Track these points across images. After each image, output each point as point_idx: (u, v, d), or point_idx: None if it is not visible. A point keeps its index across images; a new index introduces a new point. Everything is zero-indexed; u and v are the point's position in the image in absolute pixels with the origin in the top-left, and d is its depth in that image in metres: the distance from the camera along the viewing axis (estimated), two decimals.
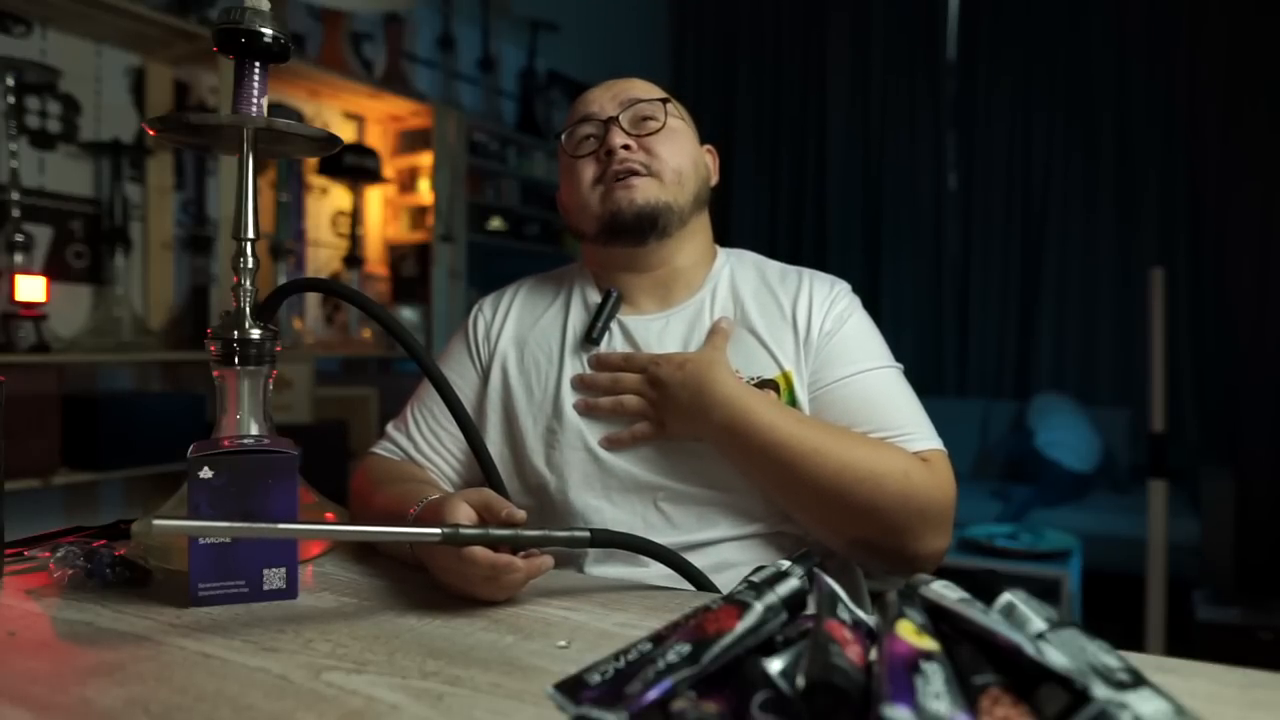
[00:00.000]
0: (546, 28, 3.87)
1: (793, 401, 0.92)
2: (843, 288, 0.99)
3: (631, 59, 4.46)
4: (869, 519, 0.84)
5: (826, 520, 0.87)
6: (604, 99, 0.98)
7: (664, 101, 0.98)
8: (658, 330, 0.97)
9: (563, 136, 1.00)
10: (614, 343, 0.97)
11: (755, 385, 0.92)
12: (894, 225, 4.33)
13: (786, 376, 0.92)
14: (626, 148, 0.94)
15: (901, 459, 0.86)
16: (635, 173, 0.94)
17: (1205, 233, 3.80)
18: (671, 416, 0.89)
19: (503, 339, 1.02)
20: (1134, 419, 3.70)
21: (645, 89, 0.99)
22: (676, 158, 0.96)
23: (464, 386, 1.01)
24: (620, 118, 0.96)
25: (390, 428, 1.04)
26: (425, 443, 1.00)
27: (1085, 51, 4.01)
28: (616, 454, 0.92)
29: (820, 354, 0.93)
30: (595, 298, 1.00)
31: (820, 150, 4.54)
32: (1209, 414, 3.76)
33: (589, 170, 0.97)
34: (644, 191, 0.94)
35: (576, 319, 1.00)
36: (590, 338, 0.96)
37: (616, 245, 0.96)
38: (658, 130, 0.96)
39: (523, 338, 1.01)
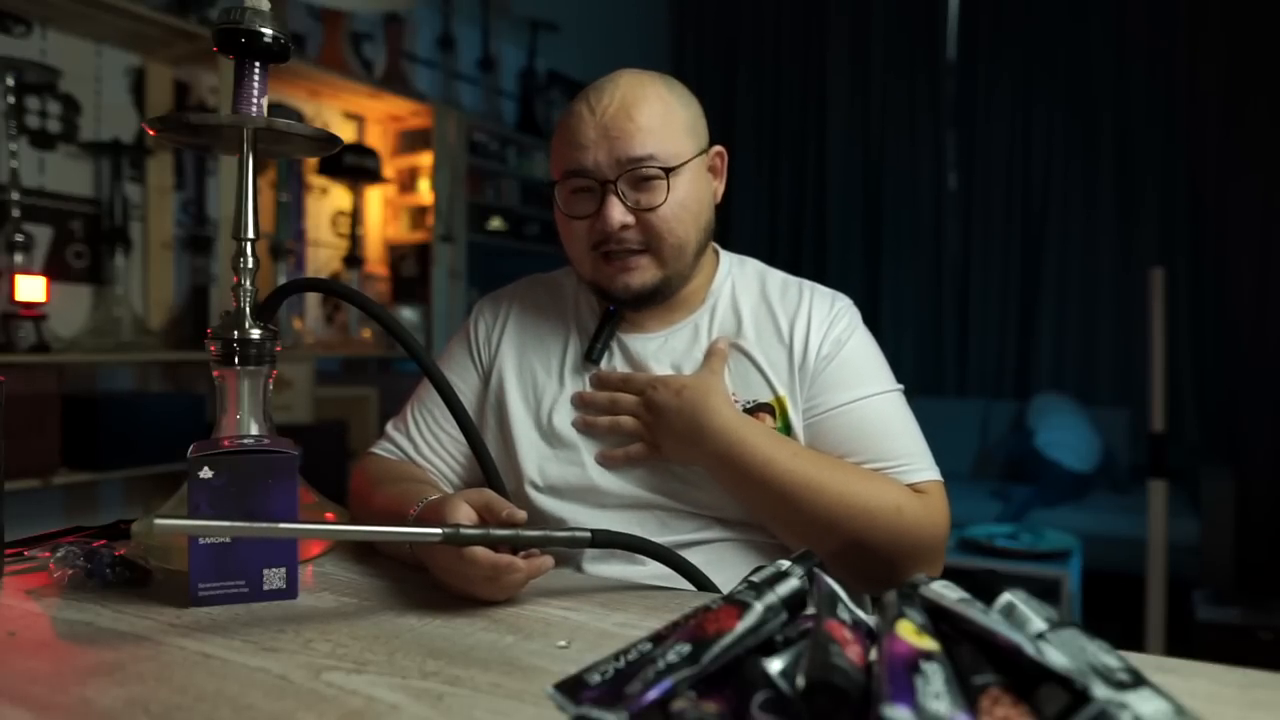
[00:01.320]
0: (546, 28, 3.87)
1: (787, 426, 0.91)
2: (843, 305, 0.97)
3: (631, 59, 4.45)
4: (860, 552, 0.85)
5: (816, 549, 0.86)
6: (600, 152, 0.87)
7: (667, 171, 0.88)
8: (655, 349, 0.96)
9: (555, 186, 0.92)
10: (613, 360, 0.97)
11: (751, 409, 0.91)
12: (894, 225, 4.33)
13: (781, 400, 0.92)
14: (625, 226, 0.88)
15: (895, 494, 0.86)
16: (633, 252, 0.90)
17: (1205, 232, 3.80)
18: (667, 440, 0.89)
19: (503, 345, 1.02)
20: (1134, 419, 3.70)
21: (644, 134, 0.87)
22: (678, 232, 0.90)
23: (465, 389, 1.01)
24: (619, 183, 0.87)
25: (390, 428, 1.04)
26: (425, 443, 1.00)
27: (1085, 51, 4.01)
28: (612, 471, 0.93)
29: (817, 379, 0.92)
30: (595, 317, 1.00)
31: (820, 150, 4.53)
32: (1209, 414, 3.76)
33: (584, 233, 0.91)
34: (641, 275, 0.91)
35: (577, 335, 0.99)
36: (590, 357, 0.96)
37: (609, 304, 0.97)
38: (659, 205, 0.88)
39: (522, 346, 1.01)
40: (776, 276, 1.01)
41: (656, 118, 0.88)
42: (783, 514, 0.86)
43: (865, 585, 0.88)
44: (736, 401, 0.91)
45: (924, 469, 0.90)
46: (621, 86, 0.89)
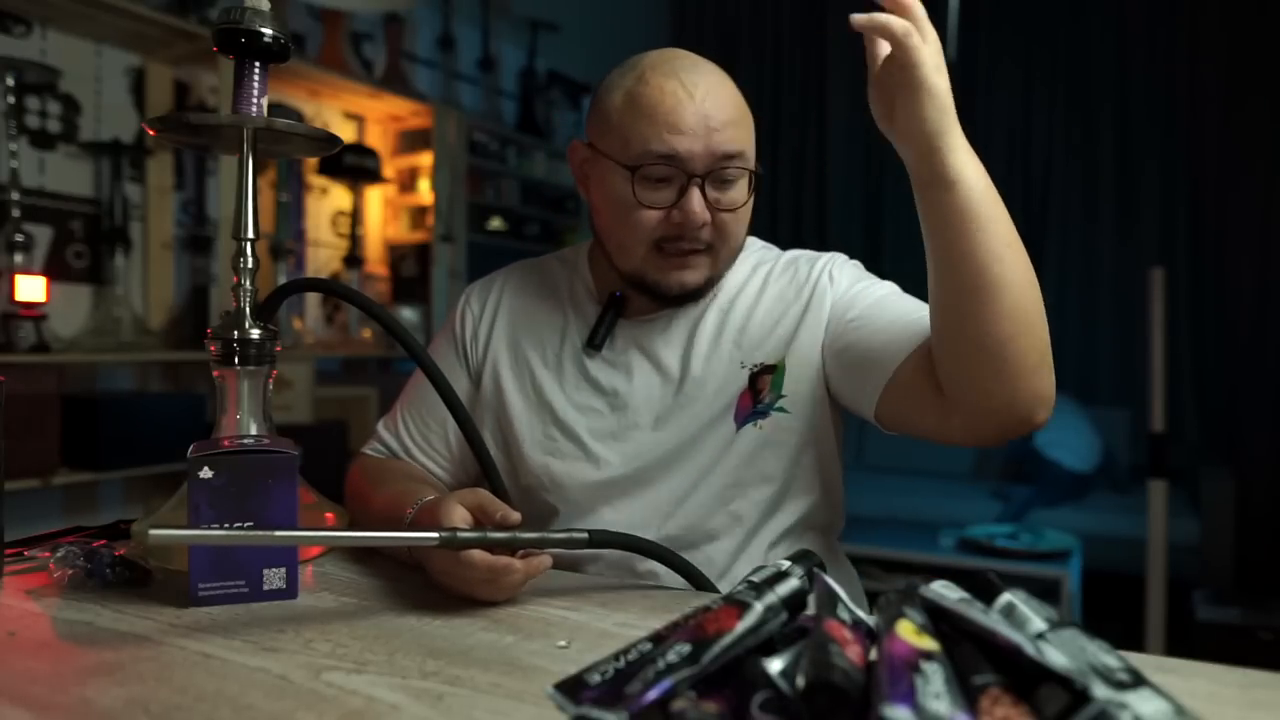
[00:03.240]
0: (546, 28, 3.87)
1: (783, 369, 0.90)
2: (840, 256, 0.97)
3: None
4: (1035, 294, 0.77)
5: (1008, 288, 0.75)
6: (697, 143, 0.82)
7: (752, 174, 0.87)
8: (660, 328, 0.94)
9: (635, 170, 0.84)
10: (615, 345, 0.95)
11: (756, 372, 0.90)
12: (894, 225, 4.33)
13: (781, 364, 0.91)
14: (704, 224, 0.85)
15: None
16: (696, 250, 0.87)
17: (1205, 232, 3.80)
18: (928, 63, 0.71)
19: (494, 338, 0.99)
20: (1134, 419, 3.70)
21: (736, 129, 0.85)
22: (740, 235, 0.90)
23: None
24: (706, 179, 0.84)
25: (381, 427, 1.03)
26: (413, 443, 0.99)
27: (1085, 52, 4.01)
28: (620, 463, 0.91)
29: (842, 316, 0.91)
30: (595, 306, 0.97)
31: (820, 150, 4.54)
32: (1209, 414, 3.76)
33: (650, 223, 0.85)
34: (696, 273, 0.88)
35: (574, 322, 0.97)
36: (592, 343, 0.94)
37: (646, 298, 0.92)
38: (740, 206, 0.87)
39: (516, 337, 0.98)
40: (770, 249, 1.01)
41: (743, 113, 0.86)
42: (990, 221, 0.74)
43: (1009, 361, 0.77)
44: (743, 369, 0.91)
45: None
46: (705, 71, 0.86)
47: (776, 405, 0.90)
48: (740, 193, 0.87)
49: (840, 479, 0.98)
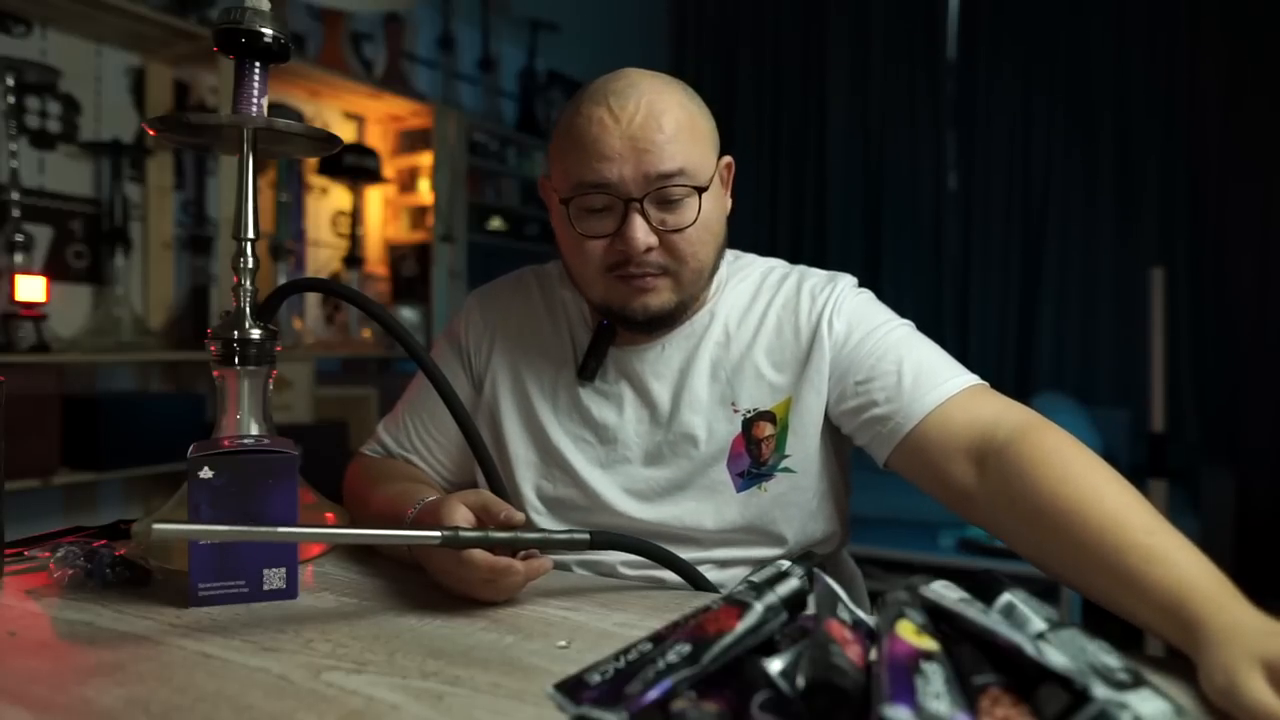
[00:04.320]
0: (546, 28, 3.87)
1: (786, 426, 0.88)
2: (845, 284, 0.93)
3: (631, 59, 4.45)
4: None
5: None
6: (626, 167, 0.79)
7: (698, 190, 0.82)
8: (652, 360, 0.91)
9: (568, 202, 0.83)
10: (607, 375, 0.92)
11: (750, 418, 0.88)
12: (894, 225, 4.33)
13: (786, 404, 0.88)
14: (649, 249, 0.81)
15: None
16: (651, 274, 0.84)
17: (1206, 232, 3.80)
18: None
19: (495, 355, 0.97)
20: (1134, 419, 3.70)
21: (674, 146, 0.80)
22: (700, 255, 0.85)
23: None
24: (644, 201, 0.81)
25: (381, 429, 1.03)
26: (413, 445, 0.99)
27: (1085, 51, 4.01)
28: (611, 494, 0.89)
29: (849, 362, 0.88)
30: (586, 326, 0.94)
31: (820, 150, 4.54)
32: (1209, 414, 3.75)
33: (598, 253, 0.83)
34: (660, 295, 0.84)
35: (572, 350, 0.95)
36: (583, 374, 0.92)
37: (617, 326, 0.90)
38: (688, 226, 0.82)
39: (515, 357, 0.96)
40: (776, 272, 0.96)
41: (684, 129, 0.82)
42: None
43: None
44: (736, 413, 0.89)
45: (963, 373, 0.86)
46: (644, 91, 0.81)
47: (781, 466, 0.88)
48: (689, 211, 0.82)
49: (848, 502, 0.96)
